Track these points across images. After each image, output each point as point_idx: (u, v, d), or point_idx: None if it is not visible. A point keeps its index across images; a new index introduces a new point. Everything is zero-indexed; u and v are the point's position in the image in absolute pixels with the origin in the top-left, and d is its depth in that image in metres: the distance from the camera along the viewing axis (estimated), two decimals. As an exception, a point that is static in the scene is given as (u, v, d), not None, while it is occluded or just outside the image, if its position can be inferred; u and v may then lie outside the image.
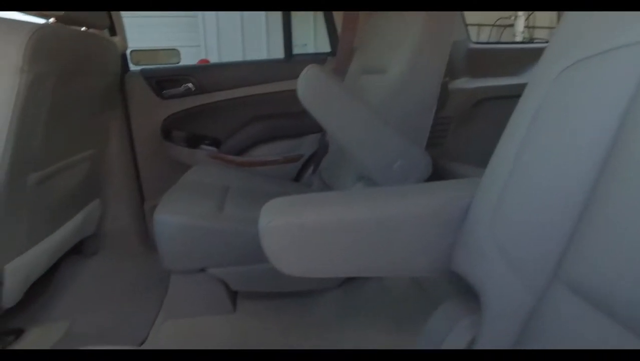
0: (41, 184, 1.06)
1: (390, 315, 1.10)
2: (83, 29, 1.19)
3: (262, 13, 4.43)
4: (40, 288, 1.28)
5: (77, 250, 1.44)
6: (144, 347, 1.06)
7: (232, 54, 4.49)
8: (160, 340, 1.06)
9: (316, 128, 1.62)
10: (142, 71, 1.52)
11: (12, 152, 0.91)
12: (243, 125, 1.59)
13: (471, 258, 0.52)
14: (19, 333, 1.10)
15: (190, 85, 1.55)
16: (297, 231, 0.54)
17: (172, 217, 1.04)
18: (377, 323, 1.07)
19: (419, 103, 1.12)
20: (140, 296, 1.33)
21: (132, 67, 1.54)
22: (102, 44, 1.24)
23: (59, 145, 1.11)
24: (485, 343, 0.48)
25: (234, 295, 1.18)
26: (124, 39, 1.45)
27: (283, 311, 1.16)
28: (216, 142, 1.59)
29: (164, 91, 1.53)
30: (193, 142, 1.56)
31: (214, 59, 4.31)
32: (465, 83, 1.55)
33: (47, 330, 1.15)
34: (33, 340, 1.10)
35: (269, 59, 1.71)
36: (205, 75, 1.56)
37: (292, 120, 1.62)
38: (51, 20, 1.03)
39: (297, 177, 1.64)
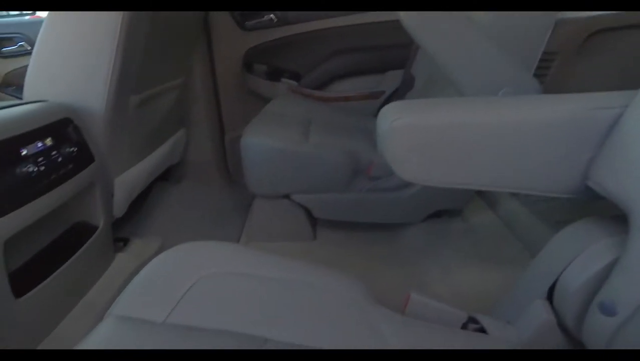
0: (139, 107, 1.13)
1: (476, 253, 1.06)
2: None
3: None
4: (136, 208, 1.40)
5: (164, 177, 1.54)
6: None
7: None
8: None
9: (399, 63, 1.54)
10: (225, 1, 1.50)
11: (118, 75, 0.96)
12: (324, 59, 1.55)
13: (619, 174, 0.46)
14: (125, 241, 1.22)
15: (272, 16, 1.51)
16: (422, 132, 0.51)
17: (260, 140, 1.06)
18: (463, 260, 1.04)
19: (531, 30, 1.00)
20: (223, 220, 1.42)
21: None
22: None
23: (153, 72, 1.16)
24: (631, 265, 0.43)
25: (315, 223, 1.21)
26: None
27: (364, 242, 1.17)
28: (296, 76, 1.57)
29: (247, 22, 1.51)
30: (274, 75, 1.55)
31: None
32: (575, 12, 1.36)
33: (146, 242, 1.27)
34: (137, 249, 1.21)
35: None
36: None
37: (374, 54, 1.55)
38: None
39: (376, 115, 1.59)
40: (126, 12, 0.90)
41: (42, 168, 0.79)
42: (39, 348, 0.83)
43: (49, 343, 0.85)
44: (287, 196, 1.11)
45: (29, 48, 1.55)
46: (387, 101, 1.58)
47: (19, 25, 1.57)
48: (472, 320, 0.53)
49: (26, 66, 1.62)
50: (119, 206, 1.12)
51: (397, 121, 0.52)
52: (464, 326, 0.53)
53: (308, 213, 1.15)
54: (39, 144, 0.80)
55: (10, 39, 1.54)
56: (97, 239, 1.01)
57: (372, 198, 1.10)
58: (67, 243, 0.95)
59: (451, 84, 1.01)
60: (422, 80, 1.36)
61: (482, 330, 0.51)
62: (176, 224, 1.40)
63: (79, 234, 0.99)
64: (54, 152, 0.83)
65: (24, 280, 0.77)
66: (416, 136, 0.51)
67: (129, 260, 1.15)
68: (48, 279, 0.84)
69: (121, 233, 1.25)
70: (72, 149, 0.88)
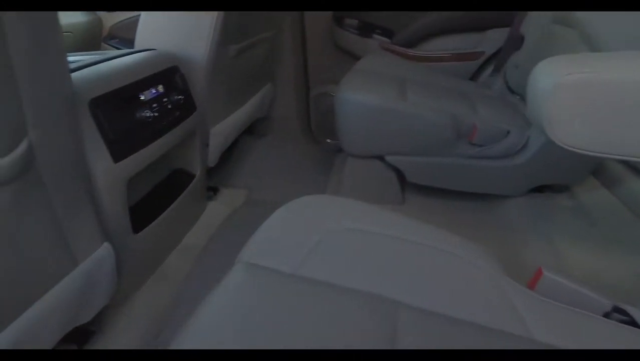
0: (235, 58, 1.13)
1: (591, 237, 0.95)
2: None
3: None
4: (223, 159, 1.46)
5: (250, 130, 1.57)
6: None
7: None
8: None
9: (502, 21, 1.39)
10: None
11: (221, 24, 0.95)
12: (420, 15, 1.44)
13: None
14: (215, 190, 1.28)
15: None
16: (597, 90, 0.44)
17: (356, 97, 1.02)
18: (575, 243, 0.95)
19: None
20: (305, 176, 1.43)
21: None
22: None
23: (249, 22, 1.14)
24: None
25: (404, 186, 1.16)
26: None
27: (457, 210, 1.11)
28: (388, 33, 1.48)
29: (341, -27, 1.43)
30: (365, 31, 1.47)
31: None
32: None
33: (234, 192, 1.31)
34: (226, 198, 1.26)
35: None
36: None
37: (474, 10, 1.41)
38: None
39: (473, 77, 1.47)
40: None
41: (156, 114, 0.82)
42: (146, 286, 0.90)
43: (155, 282, 0.92)
44: (379, 157, 1.08)
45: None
46: (485, 63, 1.44)
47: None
48: (617, 309, 0.47)
49: (128, 19, 1.70)
50: (213, 156, 1.16)
51: (569, 77, 0.44)
52: (607, 316, 0.47)
53: (399, 175, 1.11)
54: (153, 91, 0.83)
55: (115, -9, 1.60)
56: (194, 187, 1.06)
57: (471, 165, 1.03)
58: (169, 188, 1.01)
59: (583, 40, 0.88)
60: (532, 39, 1.21)
61: (634, 323, 0.45)
62: (261, 177, 1.43)
63: (178, 180, 1.05)
64: (165, 99, 0.86)
65: (136, 219, 0.82)
66: (589, 94, 0.44)
67: (220, 209, 1.20)
68: (156, 220, 0.89)
69: (210, 182, 1.30)
70: (179, 97, 0.90)
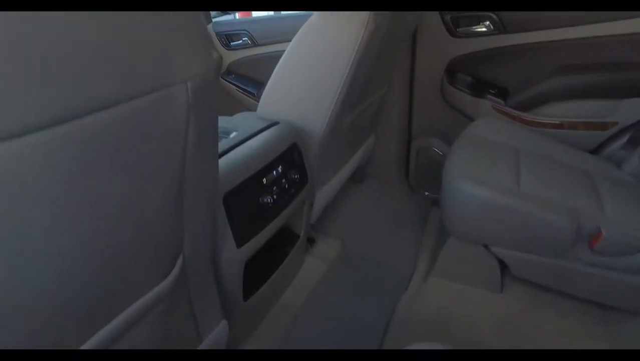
0: (350, 123, 1.16)
1: None
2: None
3: None
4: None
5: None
6: (409, 294, 1.13)
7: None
8: (427, 294, 1.11)
9: (645, 90, 1.23)
10: (438, 3, 1.40)
11: (342, 99, 0.99)
12: (542, 76, 1.33)
13: None
14: (312, 242, 1.33)
15: (488, 23, 1.35)
16: None
17: (465, 186, 0.98)
18: None
19: None
20: (401, 227, 1.42)
21: None
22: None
23: (368, 88, 1.16)
24: None
25: (505, 273, 1.10)
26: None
27: (565, 311, 1.03)
28: (503, 93, 1.40)
29: (459, 29, 1.39)
30: (478, 89, 1.41)
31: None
32: None
33: (329, 243, 1.36)
34: (322, 250, 1.32)
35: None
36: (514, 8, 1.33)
37: (610, 75, 1.27)
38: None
39: (597, 150, 1.33)
40: (363, 40, 0.90)
41: (275, 196, 0.89)
42: (247, 346, 0.98)
43: (253, 340, 1.00)
44: (484, 245, 1.04)
45: (249, 43, 1.74)
46: (616, 135, 1.29)
47: (243, 24, 1.76)
48: None
49: (246, 57, 1.83)
50: (316, 214, 1.21)
51: None
52: None
53: (503, 264, 1.06)
54: (274, 173, 0.90)
55: (237, 35, 1.75)
56: (298, 246, 1.12)
57: (591, 273, 0.94)
58: (275, 248, 1.08)
59: None
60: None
61: None
62: (355, 225, 1.46)
63: (284, 239, 1.12)
64: (283, 180, 0.93)
65: (244, 283, 0.89)
66: None
67: (316, 263, 1.25)
68: (264, 286, 0.97)
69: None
70: (295, 176, 0.96)
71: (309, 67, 0.97)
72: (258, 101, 1.77)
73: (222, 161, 0.81)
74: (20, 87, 0.30)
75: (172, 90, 0.43)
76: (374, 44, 0.95)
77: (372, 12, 0.87)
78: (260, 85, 1.79)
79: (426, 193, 1.60)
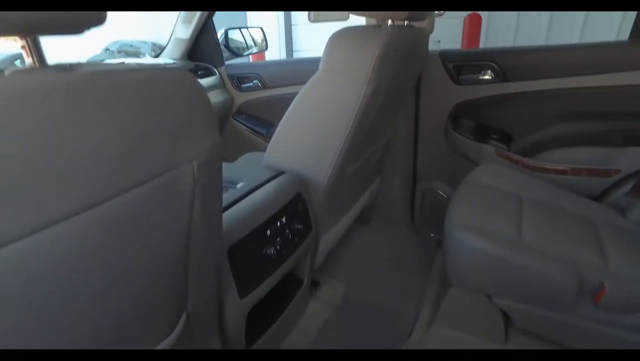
0: (354, 171, 1.19)
1: None
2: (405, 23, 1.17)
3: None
4: None
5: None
6: (411, 342, 1.12)
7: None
8: (429, 343, 1.10)
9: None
10: (440, 53, 1.45)
11: (347, 149, 1.02)
12: (544, 123, 1.36)
13: None
14: (316, 285, 1.34)
15: (489, 73, 1.40)
16: None
17: (467, 237, 0.99)
18: None
19: None
20: (406, 270, 1.42)
21: (431, 48, 1.50)
22: (418, 34, 1.22)
23: (371, 137, 1.20)
24: None
25: (509, 323, 1.09)
26: (432, 22, 1.40)
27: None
28: (506, 138, 1.43)
29: (461, 77, 1.43)
30: (481, 134, 1.44)
31: (483, 12, 3.85)
32: None
33: (333, 287, 1.36)
34: (326, 294, 1.32)
35: (604, 42, 1.34)
36: (511, 60, 1.38)
37: (611, 124, 1.29)
38: (389, 22, 1.04)
39: (600, 197, 1.33)
40: (365, 97, 0.94)
41: (278, 247, 0.91)
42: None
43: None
44: (486, 295, 1.03)
45: (259, 85, 1.82)
46: (620, 182, 1.30)
47: (254, 67, 1.84)
48: None
49: (256, 99, 1.89)
50: (320, 258, 1.22)
51: None
52: None
53: (506, 315, 1.05)
54: (278, 224, 0.93)
55: (248, 77, 1.83)
56: (302, 292, 1.13)
57: (596, 330, 0.92)
58: (278, 293, 1.09)
59: None
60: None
61: None
62: (360, 268, 1.46)
63: (287, 286, 1.13)
64: (287, 230, 0.95)
65: (247, 330, 0.90)
66: None
67: (320, 308, 1.25)
68: (267, 332, 0.98)
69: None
70: (299, 226, 0.98)
71: (313, 119, 1.01)
72: (266, 141, 1.83)
73: (228, 214, 0.84)
74: (48, 184, 0.34)
75: (179, 170, 0.47)
76: (376, 99, 0.99)
77: (374, 70, 0.91)
78: (269, 125, 1.85)
79: (432, 235, 1.61)
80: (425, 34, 1.33)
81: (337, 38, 0.95)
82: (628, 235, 1.08)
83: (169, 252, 0.52)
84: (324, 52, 0.96)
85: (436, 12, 4.66)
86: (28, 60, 0.35)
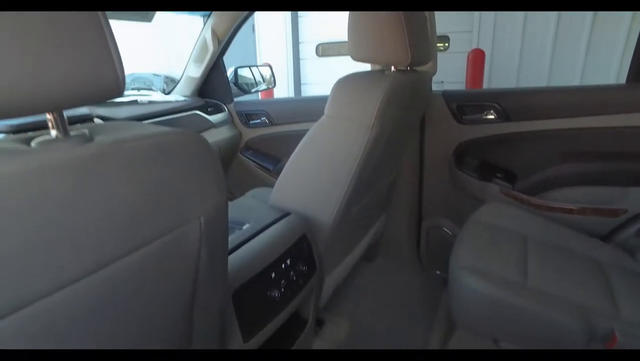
0: (358, 212, 1.20)
1: None
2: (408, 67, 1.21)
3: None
4: None
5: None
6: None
7: (508, 45, 3.97)
8: None
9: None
10: (443, 93, 1.49)
11: (351, 191, 1.03)
12: (548, 162, 1.37)
13: None
14: (320, 324, 1.33)
15: (492, 112, 1.43)
16: None
17: (472, 279, 0.99)
18: None
19: None
20: (412, 308, 1.40)
21: (435, 88, 1.54)
22: (421, 77, 1.26)
23: (375, 177, 1.22)
24: None
25: None
26: (435, 65, 1.44)
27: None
28: (510, 177, 1.44)
29: (464, 117, 1.46)
30: (485, 172, 1.45)
31: (487, 47, 3.97)
32: None
33: (337, 324, 1.35)
34: (330, 331, 1.31)
35: (602, 85, 1.37)
36: (512, 101, 1.40)
37: (615, 164, 1.30)
38: (393, 69, 1.08)
39: (608, 237, 1.32)
40: (368, 142, 0.96)
41: (283, 290, 0.91)
42: None
43: None
44: (493, 338, 1.02)
45: (267, 122, 1.86)
46: (627, 223, 1.29)
47: (262, 104, 1.90)
48: None
49: (263, 135, 1.93)
50: (325, 297, 1.22)
51: None
52: None
53: None
54: (283, 266, 0.93)
55: (256, 114, 1.88)
56: (306, 332, 1.12)
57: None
58: (281, 333, 1.08)
59: None
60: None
61: None
62: (365, 304, 1.45)
63: (291, 326, 1.12)
64: (291, 272, 0.95)
65: None
66: None
67: (325, 347, 1.24)
68: None
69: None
70: (304, 268, 0.99)
71: (318, 163, 1.03)
72: (273, 176, 1.85)
73: (234, 257, 0.85)
74: (63, 249, 0.36)
75: (187, 226, 0.48)
76: (380, 142, 1.01)
77: (377, 117, 0.94)
78: (276, 161, 1.89)
79: (437, 272, 1.59)
80: (428, 76, 1.37)
81: (341, 84, 0.98)
82: (638, 278, 1.07)
83: (175, 301, 0.54)
84: (329, 97, 0.99)
85: (440, 46, 4.77)
86: (53, 132, 0.38)
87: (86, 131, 0.40)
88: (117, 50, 0.39)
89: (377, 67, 1.15)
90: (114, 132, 0.42)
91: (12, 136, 0.39)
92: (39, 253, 0.34)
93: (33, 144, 0.37)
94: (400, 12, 0.97)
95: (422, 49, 1.07)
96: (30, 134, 0.40)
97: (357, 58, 1.03)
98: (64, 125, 0.38)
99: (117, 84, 0.39)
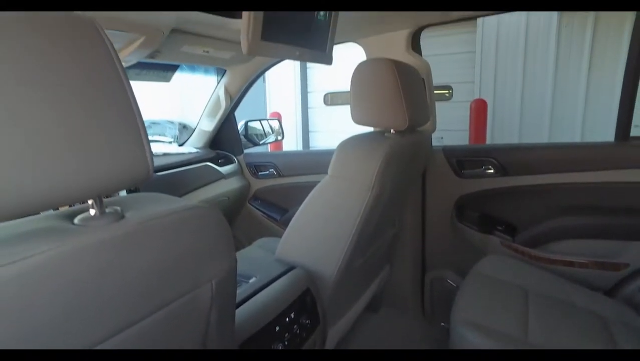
0: (361, 265, 1.24)
1: None
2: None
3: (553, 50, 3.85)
4: None
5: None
6: None
7: (509, 94, 4.14)
8: None
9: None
10: (444, 148, 1.56)
11: (354, 245, 1.08)
12: (547, 215, 1.41)
13: None
14: (324, 379, 1.32)
15: (490, 167, 1.49)
16: None
17: (473, 334, 1.00)
18: None
19: None
20: None
21: (435, 144, 1.61)
22: (421, 136, 1.34)
23: (378, 232, 1.26)
24: None
25: None
26: (434, 122, 1.53)
27: None
28: (511, 229, 1.47)
29: (464, 171, 1.53)
30: (485, 225, 1.49)
31: (488, 97, 4.12)
32: None
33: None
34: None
35: (591, 142, 1.44)
36: (509, 156, 1.47)
37: (615, 218, 1.33)
38: (392, 131, 1.16)
39: (612, 291, 1.33)
40: (369, 201, 1.02)
41: (286, 343, 0.94)
42: None
43: None
44: None
45: (275, 173, 1.95)
46: (630, 277, 1.30)
47: (270, 156, 2.00)
48: None
49: (271, 186, 2.01)
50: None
51: None
52: None
53: None
54: (287, 319, 0.96)
55: (264, 166, 1.97)
56: (308, 387, 1.12)
57: None
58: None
59: None
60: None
61: None
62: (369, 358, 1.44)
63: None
64: (294, 326, 0.98)
65: None
66: None
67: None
68: None
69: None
70: (307, 321, 1.02)
71: (322, 220, 1.09)
72: (280, 226, 1.90)
73: (240, 311, 0.88)
74: (88, 316, 0.41)
75: (201, 288, 0.54)
76: (381, 200, 1.07)
77: (377, 178, 1.00)
78: (283, 211, 1.95)
79: (442, 324, 1.59)
80: (427, 134, 1.45)
81: (344, 146, 1.06)
82: None
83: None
84: (333, 158, 1.07)
85: (445, 93, 4.91)
86: (92, 211, 0.44)
87: (119, 208, 0.46)
88: (147, 138, 0.47)
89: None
90: (143, 207, 0.48)
91: (57, 213, 0.46)
92: (73, 319, 0.39)
93: (76, 221, 0.43)
94: (398, 79, 1.06)
95: (420, 111, 1.16)
96: (71, 209, 0.46)
97: (358, 122, 1.12)
98: (101, 205, 0.44)
99: (147, 170, 0.46)
